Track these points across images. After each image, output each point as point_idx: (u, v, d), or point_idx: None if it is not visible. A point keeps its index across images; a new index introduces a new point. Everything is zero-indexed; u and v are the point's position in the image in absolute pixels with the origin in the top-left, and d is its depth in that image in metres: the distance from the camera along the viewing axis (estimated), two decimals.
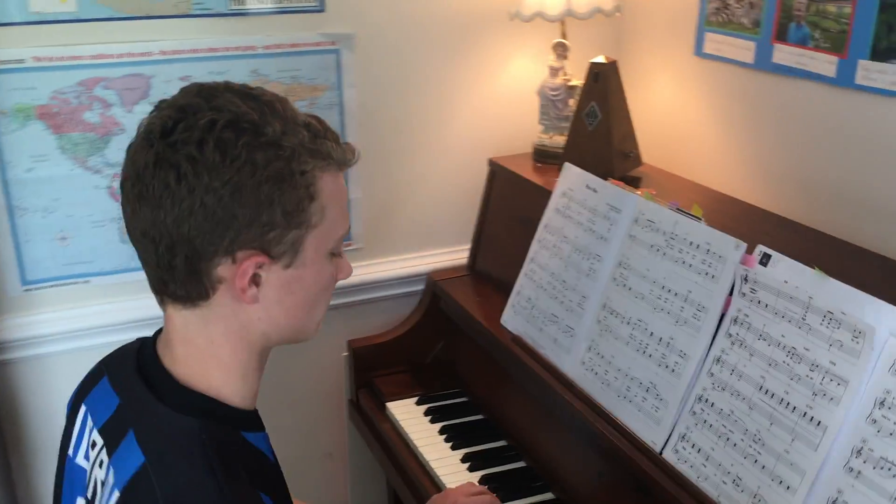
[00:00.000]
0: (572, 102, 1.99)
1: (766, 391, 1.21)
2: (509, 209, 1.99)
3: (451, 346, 2.07)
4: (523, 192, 1.94)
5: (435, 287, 2.05)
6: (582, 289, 1.59)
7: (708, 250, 1.36)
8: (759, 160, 1.79)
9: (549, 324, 1.65)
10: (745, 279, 1.28)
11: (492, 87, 2.09)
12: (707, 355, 1.32)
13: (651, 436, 1.37)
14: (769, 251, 1.28)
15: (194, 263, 0.91)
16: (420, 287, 2.12)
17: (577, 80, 1.98)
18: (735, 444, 1.23)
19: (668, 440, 1.35)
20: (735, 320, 1.29)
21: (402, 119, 2.04)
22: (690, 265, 1.39)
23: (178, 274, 0.92)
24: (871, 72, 1.51)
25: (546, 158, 2.03)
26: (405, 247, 2.15)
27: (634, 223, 1.51)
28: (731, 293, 1.31)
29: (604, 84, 1.81)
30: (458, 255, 2.16)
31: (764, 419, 1.20)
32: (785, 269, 1.24)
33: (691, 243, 1.39)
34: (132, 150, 0.94)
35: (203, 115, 0.90)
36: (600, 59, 1.83)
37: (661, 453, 1.35)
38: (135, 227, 0.94)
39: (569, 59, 2.00)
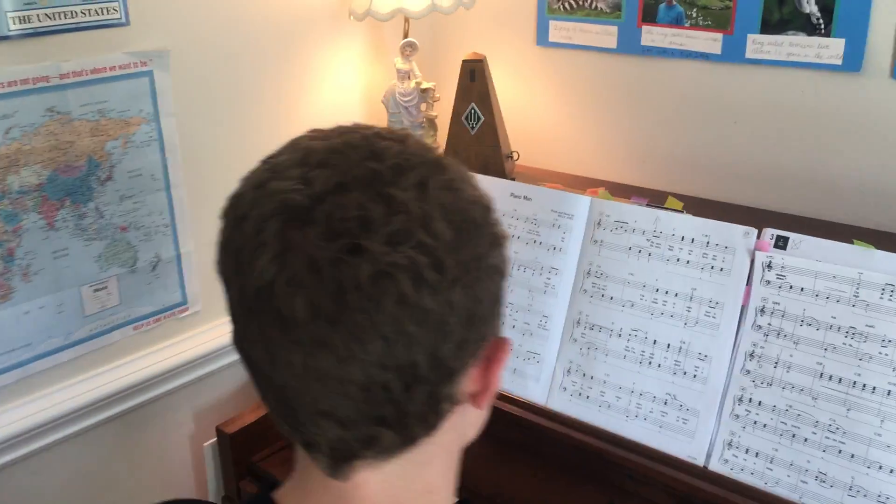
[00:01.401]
0: (424, 107, 1.80)
1: (831, 377, 1.16)
2: None
3: None
4: None
5: None
6: (540, 308, 1.43)
7: (708, 242, 1.28)
8: (637, 142, 1.75)
9: None
10: (770, 266, 1.22)
11: (329, 98, 1.82)
12: (735, 352, 1.25)
13: (687, 451, 1.27)
14: (784, 233, 1.23)
15: (442, 391, 0.61)
16: None
17: (427, 83, 1.79)
18: (806, 439, 1.17)
19: (710, 451, 1.25)
20: (762, 311, 1.23)
21: (235, 148, 1.68)
22: (688, 261, 1.30)
23: (412, 416, 0.61)
24: (763, 45, 1.54)
25: None
26: None
27: (597, 226, 1.38)
28: (747, 283, 1.25)
29: (481, 82, 1.65)
30: None
31: (837, 406, 1.15)
32: (813, 249, 1.20)
33: (683, 238, 1.30)
34: (302, 272, 0.58)
35: (399, 180, 0.59)
36: (468, 56, 1.66)
37: (706, 467, 1.25)
38: (340, 379, 0.58)
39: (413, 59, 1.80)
